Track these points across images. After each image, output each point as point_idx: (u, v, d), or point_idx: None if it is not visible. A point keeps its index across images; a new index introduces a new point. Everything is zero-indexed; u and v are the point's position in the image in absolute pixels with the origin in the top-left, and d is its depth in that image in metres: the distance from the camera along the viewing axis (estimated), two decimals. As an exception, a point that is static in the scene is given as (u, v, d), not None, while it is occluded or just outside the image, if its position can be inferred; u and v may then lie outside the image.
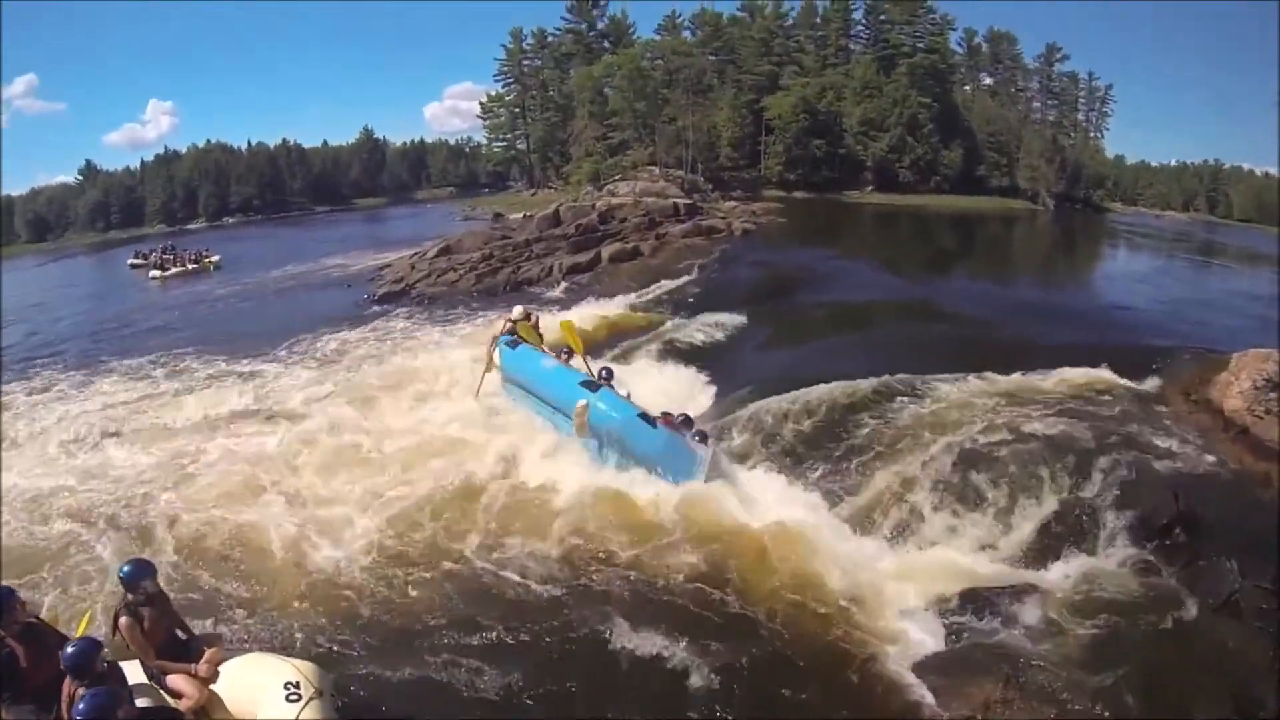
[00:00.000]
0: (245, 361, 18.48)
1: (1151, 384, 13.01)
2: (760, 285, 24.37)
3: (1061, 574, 7.73)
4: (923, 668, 6.70)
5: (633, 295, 23.05)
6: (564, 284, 25.91)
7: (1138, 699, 6.03)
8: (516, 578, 8.43)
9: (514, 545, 9.05)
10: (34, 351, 23.08)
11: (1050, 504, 8.79)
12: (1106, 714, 5.91)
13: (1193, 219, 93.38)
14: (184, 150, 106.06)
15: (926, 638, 7.04)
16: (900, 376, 12.95)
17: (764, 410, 12.06)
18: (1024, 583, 7.65)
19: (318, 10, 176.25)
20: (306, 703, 5.70)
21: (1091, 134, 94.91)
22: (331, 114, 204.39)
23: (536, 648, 7.36)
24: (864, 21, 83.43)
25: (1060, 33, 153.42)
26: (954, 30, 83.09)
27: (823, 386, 12.43)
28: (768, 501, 9.53)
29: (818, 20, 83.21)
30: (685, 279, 25.51)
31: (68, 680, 5.20)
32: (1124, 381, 13.10)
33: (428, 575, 8.55)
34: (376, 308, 24.99)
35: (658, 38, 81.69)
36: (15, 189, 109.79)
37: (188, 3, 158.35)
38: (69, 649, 5.18)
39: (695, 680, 6.77)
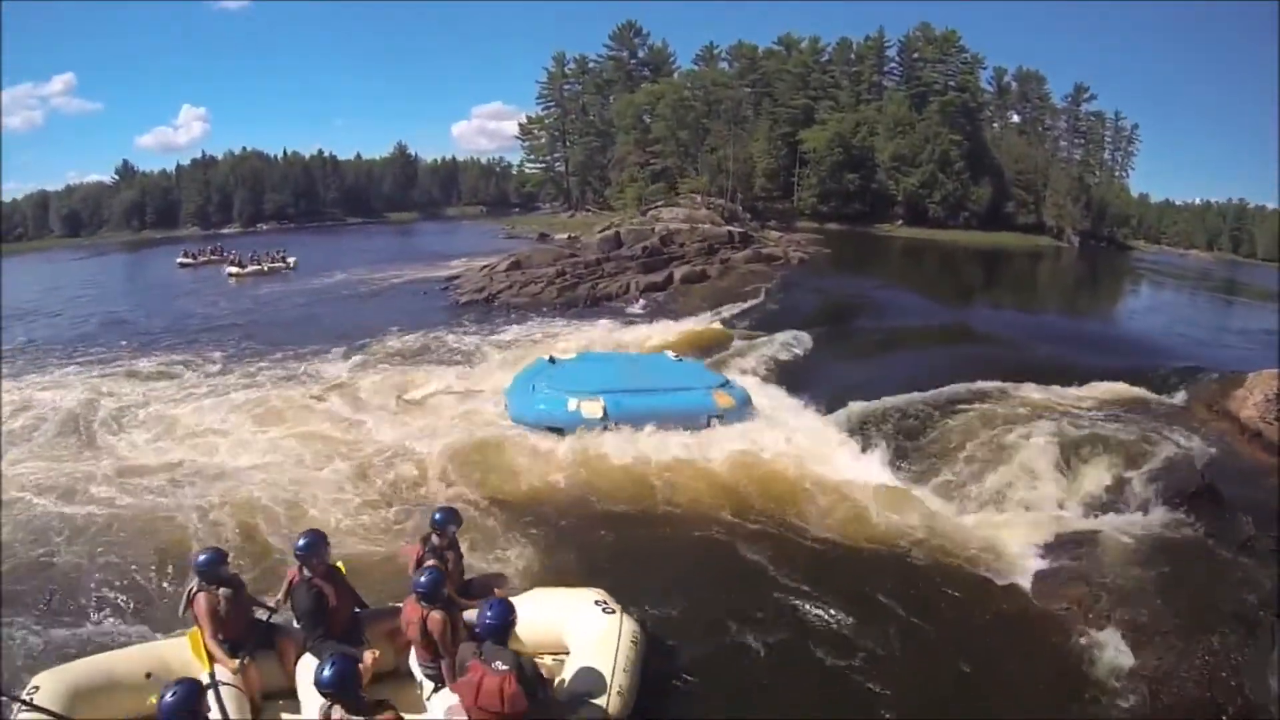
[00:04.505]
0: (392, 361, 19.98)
1: (1179, 397, 15.60)
2: (822, 309, 26.64)
3: (1119, 526, 10.14)
4: (1023, 580, 9.15)
5: (708, 313, 25.58)
6: (641, 301, 28.39)
7: (1184, 604, 8.30)
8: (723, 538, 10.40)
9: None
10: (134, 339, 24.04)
11: (1104, 478, 11.28)
12: (1168, 609, 8.24)
13: (1216, 258, 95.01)
14: (219, 156, 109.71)
15: (1024, 563, 9.47)
16: (963, 386, 15.58)
17: (857, 410, 14.55)
18: (1090, 530, 10.10)
19: (347, 20, 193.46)
20: (621, 613, 6.33)
21: (1117, 173, 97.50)
22: (362, 127, 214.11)
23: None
24: (897, 59, 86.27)
25: (1088, 72, 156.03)
26: (984, 69, 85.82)
27: (904, 395, 15.00)
28: (876, 472, 12.10)
29: (852, 56, 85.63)
30: (754, 301, 27.90)
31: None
32: (1155, 395, 15.79)
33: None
34: (470, 314, 27.03)
35: (695, 68, 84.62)
36: (51, 184, 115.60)
37: (219, 4, 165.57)
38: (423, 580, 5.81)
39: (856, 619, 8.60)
